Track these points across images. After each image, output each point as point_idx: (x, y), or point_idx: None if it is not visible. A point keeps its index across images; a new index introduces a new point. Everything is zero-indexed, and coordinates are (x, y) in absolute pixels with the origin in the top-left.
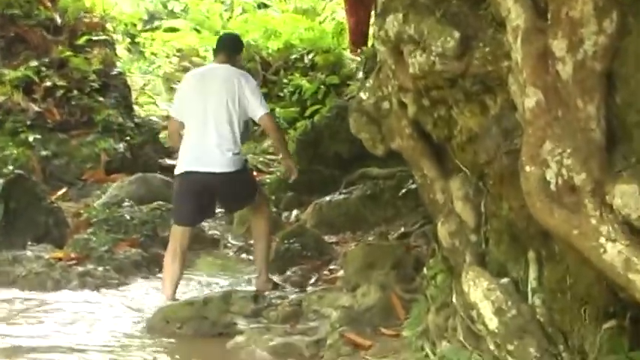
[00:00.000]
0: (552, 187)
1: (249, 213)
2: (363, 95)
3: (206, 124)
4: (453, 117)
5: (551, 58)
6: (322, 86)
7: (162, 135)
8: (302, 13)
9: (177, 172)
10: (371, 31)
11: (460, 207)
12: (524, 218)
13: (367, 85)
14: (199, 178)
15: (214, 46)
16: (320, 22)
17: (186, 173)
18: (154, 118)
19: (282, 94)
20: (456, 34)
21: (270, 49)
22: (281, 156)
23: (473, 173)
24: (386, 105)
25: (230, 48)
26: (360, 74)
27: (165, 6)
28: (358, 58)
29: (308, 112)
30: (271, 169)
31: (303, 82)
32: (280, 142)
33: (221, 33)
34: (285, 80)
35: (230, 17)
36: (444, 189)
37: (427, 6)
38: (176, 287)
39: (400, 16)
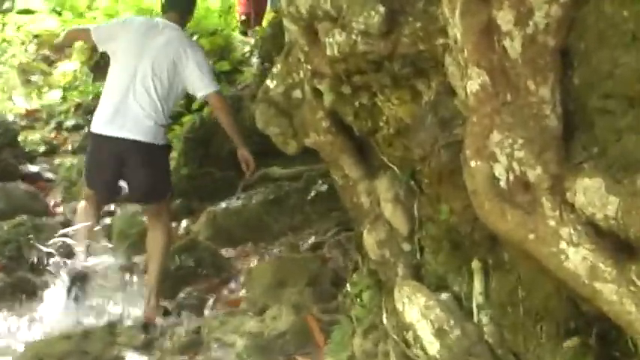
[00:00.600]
0: (502, 184)
1: (147, 218)
2: (269, 83)
3: (133, 84)
4: (378, 106)
5: (496, 32)
6: None
7: (21, 137)
8: None
9: (91, 129)
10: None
11: (389, 211)
12: (468, 222)
13: (274, 71)
14: (110, 146)
15: (164, 1)
16: None
17: (98, 136)
18: (10, 117)
19: None
20: (381, 9)
21: None
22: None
23: (403, 171)
24: (297, 94)
25: (183, 6)
26: (255, 59)
27: None
28: (251, 40)
29: (195, 105)
30: None
31: None
32: (232, 128)
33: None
34: None
35: None
36: (370, 190)
37: None
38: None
39: None
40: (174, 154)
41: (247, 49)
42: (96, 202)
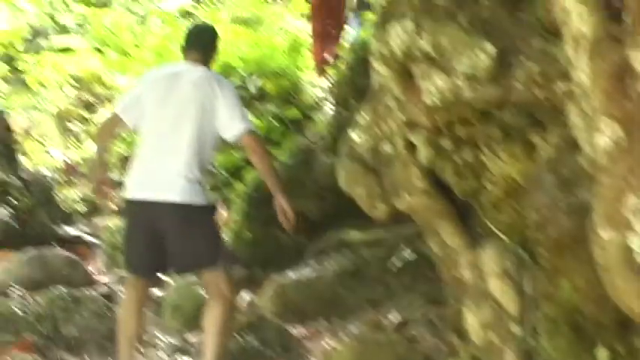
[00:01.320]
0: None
1: (205, 290)
2: (354, 135)
3: (166, 140)
4: (484, 162)
5: (631, 76)
6: (276, 122)
7: (58, 194)
8: (242, 24)
9: (124, 196)
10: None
11: (496, 287)
12: (594, 301)
13: (360, 121)
14: (147, 210)
15: (183, 42)
16: (267, 36)
17: (132, 203)
18: (46, 172)
19: None
20: (490, 48)
21: None
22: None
23: (513, 240)
24: (387, 148)
25: (205, 44)
26: (329, 105)
27: (54, 19)
28: (323, 83)
29: None
30: None
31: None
32: (269, 172)
33: (192, 26)
34: None
35: (144, 32)
36: (472, 262)
37: (447, 10)
38: (134, 348)
39: (410, 24)
40: (235, 216)
41: (319, 93)
42: (140, 293)
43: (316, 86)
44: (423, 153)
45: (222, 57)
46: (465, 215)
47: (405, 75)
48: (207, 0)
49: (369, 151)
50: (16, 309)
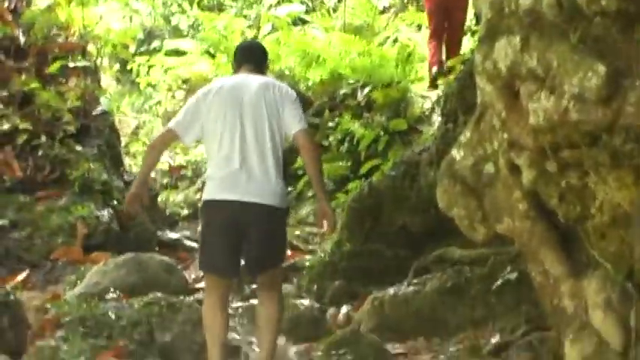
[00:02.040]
0: None
1: (259, 290)
2: (456, 154)
3: (244, 145)
4: (590, 188)
5: None
6: (383, 133)
7: (162, 197)
8: (354, 33)
9: (204, 199)
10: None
11: (599, 319)
12: None
13: (462, 139)
14: (232, 210)
15: (234, 57)
16: (379, 45)
17: (217, 203)
18: (151, 174)
19: (326, 143)
20: (601, 68)
21: (311, 80)
22: (318, 197)
23: (619, 270)
24: (490, 168)
25: (259, 58)
26: (437, 117)
27: (167, 21)
28: (433, 95)
29: (364, 169)
30: (311, 247)
31: (356, 127)
32: (318, 174)
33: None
34: (330, 124)
35: (256, 36)
36: (575, 292)
37: (557, 26)
38: (224, 351)
39: (517, 40)
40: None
41: (428, 104)
42: (223, 292)
43: (426, 98)
44: (527, 176)
45: (332, 64)
46: (568, 242)
47: (510, 93)
48: (320, 6)
49: (471, 170)
50: (110, 313)
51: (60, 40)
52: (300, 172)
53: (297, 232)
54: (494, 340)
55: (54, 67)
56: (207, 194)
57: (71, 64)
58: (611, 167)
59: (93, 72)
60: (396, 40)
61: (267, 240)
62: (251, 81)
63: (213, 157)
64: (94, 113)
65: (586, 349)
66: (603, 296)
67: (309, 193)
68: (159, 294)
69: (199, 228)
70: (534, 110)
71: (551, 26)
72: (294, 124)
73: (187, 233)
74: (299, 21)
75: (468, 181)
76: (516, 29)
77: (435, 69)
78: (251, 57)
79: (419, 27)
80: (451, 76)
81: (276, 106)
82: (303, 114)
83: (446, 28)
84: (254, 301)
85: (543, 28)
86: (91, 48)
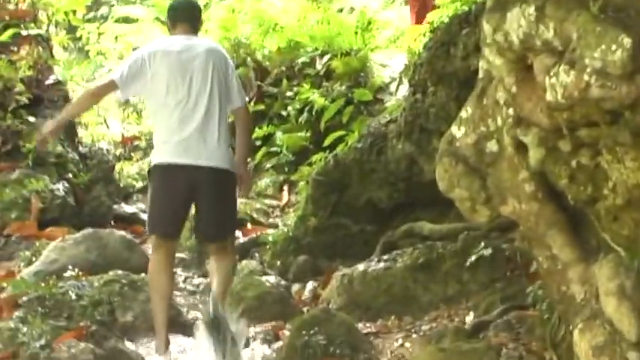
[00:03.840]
0: None
1: (212, 255)
2: (456, 131)
3: (194, 108)
4: (603, 168)
5: None
6: (346, 103)
7: (116, 169)
8: (312, 0)
9: (154, 163)
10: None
11: (612, 307)
12: None
13: (463, 115)
14: (185, 174)
15: (168, 15)
16: (338, 11)
17: (169, 166)
18: (104, 146)
19: (285, 113)
20: (627, 40)
21: (268, 49)
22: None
23: (633, 255)
24: (493, 146)
25: (195, 17)
26: (402, 87)
27: None
28: (395, 64)
29: (327, 141)
30: (271, 220)
31: (316, 97)
32: (248, 140)
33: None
34: (289, 93)
35: (208, 3)
36: (585, 278)
37: None
38: (168, 311)
39: (531, 10)
40: (300, 200)
41: (389, 73)
42: (169, 251)
43: (385, 67)
44: (535, 154)
45: (290, 32)
46: (578, 225)
47: (523, 67)
48: None
49: (473, 149)
50: (70, 293)
51: (10, 7)
52: (257, 144)
53: (257, 205)
54: (469, 318)
55: (5, 36)
56: (159, 158)
57: (23, 33)
58: (630, 147)
59: (45, 41)
60: (353, 9)
61: (221, 204)
62: (197, 46)
63: (164, 121)
64: (46, 83)
65: (597, 339)
66: (616, 283)
67: (268, 165)
68: (119, 272)
69: (149, 191)
70: (552, 86)
71: None
72: (238, 99)
73: (142, 206)
74: None
75: (469, 160)
76: None
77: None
78: (187, 16)
79: None
80: (416, 44)
81: (223, 75)
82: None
83: None
84: None
85: None
86: (41, 15)
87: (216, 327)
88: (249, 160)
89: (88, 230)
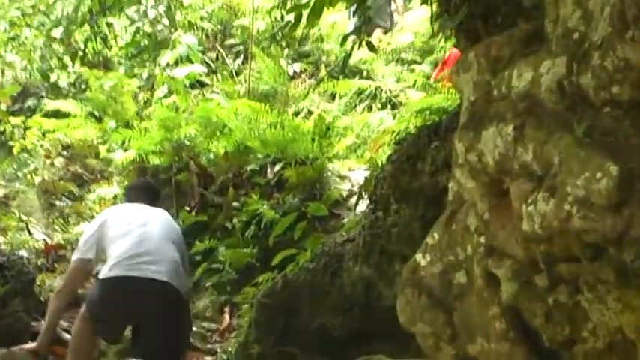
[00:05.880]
0: None
1: None
2: (420, 259)
3: (150, 235)
4: (582, 307)
5: None
6: (299, 219)
7: (38, 281)
8: (260, 100)
9: (107, 275)
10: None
11: None
12: None
13: (429, 241)
14: (136, 286)
15: (125, 196)
16: (293, 115)
17: (117, 278)
18: (24, 254)
19: (229, 226)
20: (613, 169)
21: (214, 153)
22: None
23: None
24: (461, 278)
25: (154, 197)
26: (362, 202)
27: (46, 77)
28: (356, 176)
29: (276, 259)
30: (210, 346)
31: (265, 209)
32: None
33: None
34: (235, 204)
35: (149, 99)
36: None
37: (558, 115)
38: None
39: (509, 129)
40: (242, 324)
41: (347, 186)
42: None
43: (344, 179)
44: (508, 289)
45: (239, 136)
46: None
47: (497, 192)
48: (222, 68)
49: (439, 279)
50: None
51: None
52: (197, 259)
53: (195, 328)
54: None
55: None
56: (110, 272)
57: None
58: (614, 286)
59: None
60: (310, 112)
61: (170, 323)
62: (156, 210)
63: (116, 245)
64: None
65: None
66: None
67: (208, 283)
68: None
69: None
70: (529, 214)
71: (552, 115)
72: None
73: (65, 324)
74: (197, 84)
75: (434, 291)
76: (509, 116)
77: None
78: (147, 195)
79: (332, 96)
80: (379, 155)
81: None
82: None
83: None
84: None
85: (542, 116)
86: None
87: None
88: None
89: (1, 350)
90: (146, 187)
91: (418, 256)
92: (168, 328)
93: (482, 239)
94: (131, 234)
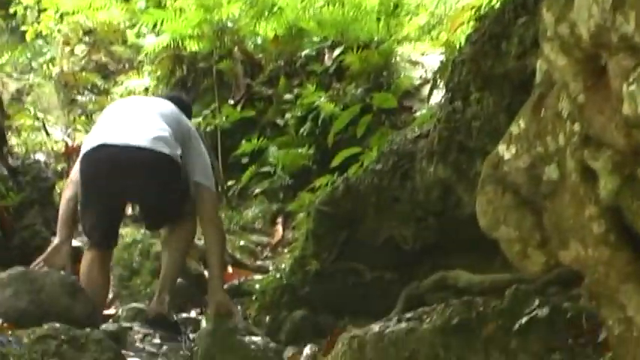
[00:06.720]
0: None
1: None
2: (503, 151)
3: (135, 117)
4: None
5: None
6: (362, 112)
7: (58, 189)
8: None
9: (86, 148)
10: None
11: None
12: None
13: (513, 131)
14: (114, 155)
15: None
16: None
17: (97, 149)
18: (40, 157)
19: (281, 122)
20: None
21: (262, 37)
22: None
23: None
24: (552, 173)
25: (185, 108)
26: (437, 92)
27: None
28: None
29: (336, 161)
30: (259, 263)
31: (323, 102)
32: (220, 252)
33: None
34: (288, 96)
35: None
36: None
37: None
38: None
39: None
40: (298, 237)
41: (419, 73)
42: (102, 259)
43: (416, 65)
44: (607, 185)
45: (291, 16)
46: None
47: (593, 69)
48: None
49: (525, 175)
50: None
51: None
52: (244, 161)
53: (242, 243)
54: None
55: None
56: (88, 144)
57: None
58: None
59: None
60: None
61: (162, 188)
62: (162, 102)
63: (99, 124)
64: None
65: None
66: None
67: (257, 189)
68: (57, 325)
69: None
70: (631, 95)
71: None
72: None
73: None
74: None
75: (521, 189)
76: None
77: None
78: (175, 103)
79: None
80: (457, 36)
81: (187, 137)
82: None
83: None
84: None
85: None
86: None
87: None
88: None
89: (17, 269)
90: (179, 99)
91: (501, 149)
92: (156, 195)
93: (576, 127)
94: (115, 115)
